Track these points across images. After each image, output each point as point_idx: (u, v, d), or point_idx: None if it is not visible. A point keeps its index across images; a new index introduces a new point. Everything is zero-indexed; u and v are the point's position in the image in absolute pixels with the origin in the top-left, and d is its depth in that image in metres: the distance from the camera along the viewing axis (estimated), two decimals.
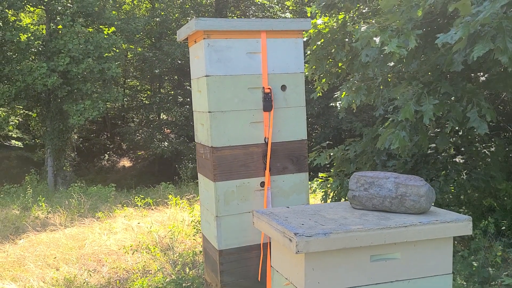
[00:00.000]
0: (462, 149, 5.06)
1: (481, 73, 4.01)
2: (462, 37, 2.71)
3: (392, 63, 4.26)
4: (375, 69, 4.32)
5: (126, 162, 17.82)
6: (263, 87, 2.72)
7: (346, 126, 10.03)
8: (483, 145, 4.95)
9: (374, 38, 3.40)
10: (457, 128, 4.25)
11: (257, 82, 2.72)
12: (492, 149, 4.81)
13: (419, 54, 3.65)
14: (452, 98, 3.51)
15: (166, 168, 13.93)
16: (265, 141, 2.76)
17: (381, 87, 4.58)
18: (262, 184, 2.78)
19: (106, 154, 17.48)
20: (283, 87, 2.77)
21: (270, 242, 2.79)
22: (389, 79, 4.63)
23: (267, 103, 2.71)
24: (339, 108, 4.77)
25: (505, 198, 4.67)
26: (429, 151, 4.95)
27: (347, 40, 4.93)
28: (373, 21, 3.57)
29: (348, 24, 4.49)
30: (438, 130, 4.29)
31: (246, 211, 2.77)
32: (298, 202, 2.84)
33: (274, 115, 2.75)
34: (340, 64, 5.24)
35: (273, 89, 2.74)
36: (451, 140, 4.79)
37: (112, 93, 11.37)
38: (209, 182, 2.80)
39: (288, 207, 1.93)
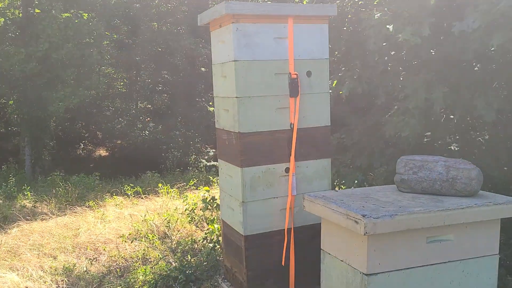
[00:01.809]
0: (457, 137, 5.19)
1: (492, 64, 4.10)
2: (481, 25, 2.77)
3: (393, 52, 4.32)
4: (376, 57, 4.36)
5: (102, 152, 17.47)
6: (290, 73, 2.72)
7: (335, 114, 10.07)
8: (478, 133, 5.08)
9: (388, 26, 3.44)
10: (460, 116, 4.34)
11: (284, 67, 2.72)
12: (487, 137, 4.96)
13: (433, 43, 3.71)
14: (461, 86, 3.59)
15: (146, 157, 13.73)
16: (290, 127, 2.76)
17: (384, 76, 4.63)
18: (287, 169, 2.79)
19: (81, 143, 17.06)
20: (309, 73, 2.78)
21: (293, 228, 2.81)
22: (389, 68, 4.69)
23: (294, 88, 2.72)
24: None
25: (498, 185, 4.83)
26: (425, 139, 5.06)
27: (345, 28, 4.96)
28: (386, 8, 3.60)
29: (362, 9, 4.50)
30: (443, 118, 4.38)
31: (271, 196, 2.78)
32: (321, 188, 2.87)
33: (300, 101, 2.75)
34: (335, 53, 5.26)
35: (299, 75, 2.74)
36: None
37: (93, 80, 11.09)
38: (234, 168, 2.79)
39: (336, 191, 1.95)
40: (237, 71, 2.62)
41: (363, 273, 1.65)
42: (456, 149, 5.11)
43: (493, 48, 2.80)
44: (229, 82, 2.73)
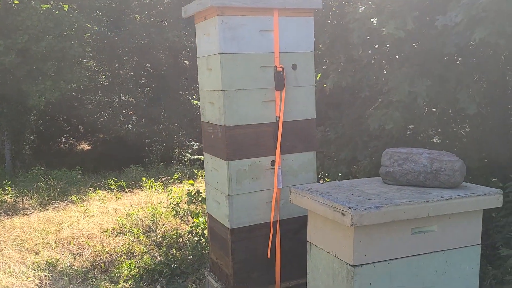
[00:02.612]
0: (440, 130, 5.26)
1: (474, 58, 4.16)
2: (463, 19, 2.81)
3: (377, 46, 4.35)
4: (360, 51, 4.39)
5: (84, 145, 17.24)
6: (275, 66, 2.72)
7: (319, 108, 10.11)
8: (459, 126, 5.16)
9: (372, 20, 3.46)
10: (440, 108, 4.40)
11: (269, 60, 2.72)
12: (468, 130, 5.04)
13: (416, 36, 3.75)
14: (443, 80, 3.64)
15: (129, 151, 13.59)
16: (276, 120, 2.77)
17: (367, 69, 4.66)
18: (273, 163, 2.80)
19: (62, 137, 16.79)
20: (294, 66, 2.79)
21: (278, 221, 2.83)
22: (373, 61, 4.73)
23: (280, 82, 2.72)
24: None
25: (478, 177, 4.93)
26: (408, 132, 5.13)
27: (329, 22, 4.97)
28: (370, 2, 3.62)
29: (347, 3, 4.51)
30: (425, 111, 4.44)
31: (257, 189, 2.78)
32: (306, 180, 2.89)
33: (285, 94, 2.75)
34: (320, 46, 5.28)
35: (284, 68, 2.74)
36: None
37: (74, 73, 10.89)
38: (220, 161, 2.78)
39: (322, 183, 1.96)
40: (222, 64, 2.61)
41: (349, 264, 1.67)
42: (438, 141, 5.19)
43: (474, 42, 2.84)
44: (214, 75, 2.71)
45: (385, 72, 4.28)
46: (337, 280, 1.74)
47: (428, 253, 1.77)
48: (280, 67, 2.72)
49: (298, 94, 2.81)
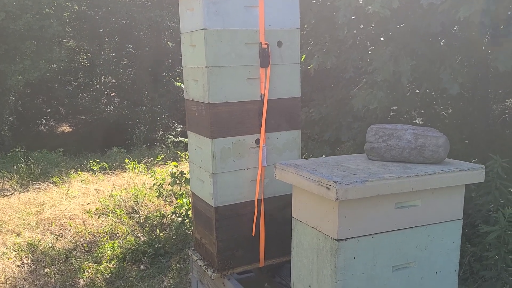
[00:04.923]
0: (422, 111, 5.30)
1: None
2: None
3: (362, 26, 4.34)
4: (345, 31, 4.37)
5: (65, 128, 16.97)
6: (260, 43, 2.68)
7: (303, 89, 10.10)
8: (442, 107, 5.21)
9: None
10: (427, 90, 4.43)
11: (254, 37, 2.68)
12: (450, 111, 5.09)
13: (401, 16, 3.74)
14: (427, 60, 3.66)
15: (111, 133, 13.43)
16: (261, 98, 2.74)
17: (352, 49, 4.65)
18: (257, 141, 2.78)
19: (43, 119, 16.48)
20: (279, 43, 2.75)
21: (263, 199, 2.83)
22: (358, 42, 4.72)
23: (265, 59, 2.69)
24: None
25: (459, 158, 5.01)
26: (391, 113, 5.16)
27: (314, 1, 4.93)
28: None
29: None
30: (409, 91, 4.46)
31: (241, 168, 2.77)
32: (290, 159, 2.88)
33: (270, 72, 2.73)
34: (305, 26, 5.24)
35: (269, 45, 2.71)
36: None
37: (54, 52, 10.64)
38: (204, 139, 2.75)
39: (307, 159, 1.96)
40: (206, 40, 2.56)
41: (333, 239, 1.67)
42: (420, 122, 5.24)
43: (460, 20, 2.84)
44: (198, 51, 2.67)
45: (369, 52, 4.28)
46: (321, 255, 1.75)
47: (411, 227, 1.79)
48: (265, 44, 2.68)
49: (283, 71, 2.78)
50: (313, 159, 1.96)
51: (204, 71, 2.61)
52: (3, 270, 3.91)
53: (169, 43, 15.32)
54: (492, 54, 3.53)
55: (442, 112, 5.11)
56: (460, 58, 4.13)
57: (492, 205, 3.30)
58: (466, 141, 4.81)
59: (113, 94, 15.43)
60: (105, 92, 15.42)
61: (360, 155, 2.05)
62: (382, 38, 4.29)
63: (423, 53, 3.59)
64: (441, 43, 3.94)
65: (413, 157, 1.85)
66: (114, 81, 15.83)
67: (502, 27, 3.33)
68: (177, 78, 14.36)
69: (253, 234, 2.84)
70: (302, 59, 4.74)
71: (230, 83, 2.65)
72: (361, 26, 4.38)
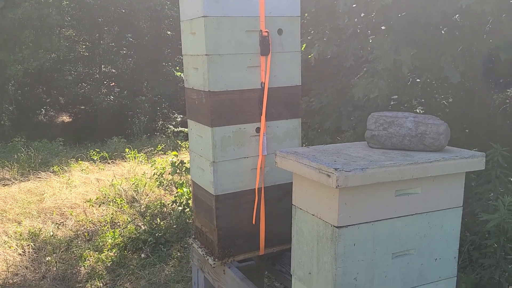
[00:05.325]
0: (423, 100, 5.29)
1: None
2: None
3: (363, 14, 4.31)
4: (346, 19, 4.35)
5: (65, 117, 16.97)
6: (261, 30, 2.66)
7: (303, 79, 10.04)
8: (442, 96, 5.20)
9: None
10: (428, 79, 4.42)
11: (255, 24, 2.66)
12: (450, 100, 5.08)
13: (402, 5, 3.72)
14: (428, 49, 3.64)
15: (111, 123, 13.42)
16: (261, 86, 2.73)
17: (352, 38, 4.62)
18: (258, 129, 2.78)
19: (42, 109, 16.47)
20: (280, 31, 2.73)
21: (263, 187, 2.83)
22: (359, 30, 4.69)
23: (265, 47, 2.67)
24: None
25: (459, 147, 5.01)
26: (392, 103, 5.15)
27: None
28: None
29: None
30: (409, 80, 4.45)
31: (241, 156, 2.77)
32: (291, 147, 2.87)
33: (271, 60, 2.71)
34: (305, 15, 5.21)
35: (270, 33, 2.69)
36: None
37: (53, 42, 10.60)
38: (204, 128, 2.75)
39: (308, 147, 1.96)
40: (206, 28, 2.55)
41: (334, 226, 1.68)
42: (421, 112, 5.23)
43: (463, 7, 2.82)
44: (198, 39, 2.65)
45: (370, 41, 4.26)
46: (322, 242, 1.75)
47: (411, 215, 1.79)
48: (266, 31, 2.66)
49: (284, 60, 2.77)
50: (314, 147, 1.96)
51: (204, 59, 2.60)
52: (5, 258, 3.94)
53: (169, 32, 15.26)
54: (494, 43, 3.51)
55: (443, 101, 5.10)
56: (461, 47, 4.11)
57: (492, 194, 3.31)
58: (467, 131, 4.81)
59: (113, 83, 15.39)
60: (105, 82, 15.39)
61: (361, 143, 2.05)
62: (383, 27, 4.27)
63: (424, 42, 3.57)
64: (442, 32, 3.92)
65: (414, 145, 1.85)
66: (113, 70, 15.79)
67: (503, 15, 3.31)
68: (177, 68, 14.31)
69: (254, 222, 2.85)
70: (302, 48, 4.72)
71: (230, 71, 2.64)
72: (362, 15, 4.36)
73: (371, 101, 4.61)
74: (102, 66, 15.79)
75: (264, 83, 2.72)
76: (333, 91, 5.35)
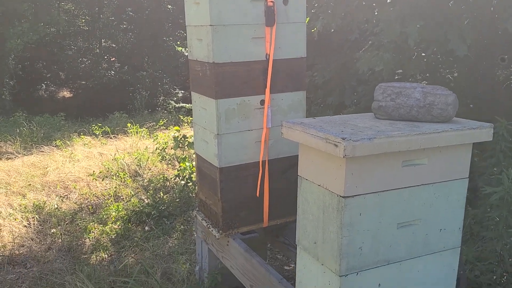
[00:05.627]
0: (428, 74, 5.24)
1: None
2: None
3: None
4: None
5: (66, 93, 16.89)
6: (266, 0, 2.61)
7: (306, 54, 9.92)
8: (447, 70, 5.15)
9: None
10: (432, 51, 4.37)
11: None
12: (456, 74, 5.04)
13: None
14: (435, 21, 3.58)
15: (112, 98, 13.36)
16: (266, 58, 2.70)
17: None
18: (262, 102, 2.76)
19: (43, 84, 16.37)
20: (285, 1, 2.68)
21: (267, 160, 2.83)
22: (364, 3, 4.61)
23: (270, 17, 2.63)
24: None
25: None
26: (396, 77, 5.11)
27: None
28: None
29: None
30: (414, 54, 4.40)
31: (246, 129, 2.76)
32: None
33: (276, 31, 2.67)
34: None
35: (275, 3, 2.64)
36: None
37: (53, 15, 10.45)
38: (208, 100, 2.73)
39: (314, 118, 1.94)
40: None
41: (340, 196, 1.68)
42: None
43: None
44: (202, 9, 2.61)
45: (376, 13, 4.19)
46: (327, 212, 1.76)
47: (418, 185, 1.79)
48: (271, 1, 2.61)
49: (289, 31, 2.72)
50: (320, 118, 1.94)
51: (208, 29, 2.56)
52: (11, 230, 3.98)
53: (169, 6, 15.03)
54: (501, 16, 3.46)
55: (448, 76, 5.05)
56: (468, 20, 4.05)
57: (495, 168, 3.31)
58: (471, 106, 4.78)
59: (113, 58, 15.26)
60: (105, 57, 15.25)
61: (368, 114, 2.04)
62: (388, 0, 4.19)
63: (430, 14, 3.51)
64: (450, 4, 3.86)
65: (421, 116, 1.84)
66: (114, 45, 15.63)
67: None
68: (178, 43, 14.17)
69: (257, 195, 2.86)
70: (306, 21, 4.65)
71: (235, 42, 2.61)
72: None
73: (376, 75, 4.57)
74: (102, 40, 15.63)
75: (269, 55, 2.69)
76: (337, 66, 5.30)
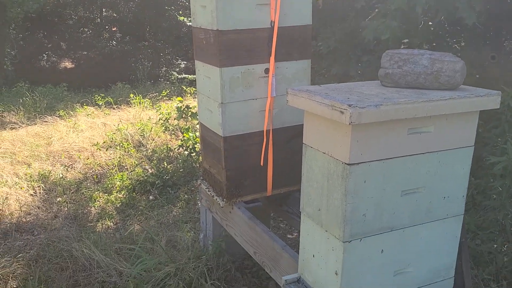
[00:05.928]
0: (434, 44, 5.16)
1: None
2: None
3: None
4: None
5: (67, 63, 16.76)
6: None
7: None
8: (454, 40, 5.07)
9: None
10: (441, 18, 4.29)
11: None
12: (463, 44, 4.96)
13: None
14: None
15: (114, 69, 13.25)
16: (271, 25, 2.66)
17: None
18: (266, 70, 2.73)
19: (44, 54, 16.22)
20: None
21: (271, 129, 2.83)
22: None
23: None
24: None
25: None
26: (402, 46, 5.04)
27: None
28: None
29: None
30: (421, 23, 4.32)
31: (250, 98, 2.74)
32: None
33: None
34: None
35: None
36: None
37: None
38: (212, 68, 2.71)
39: (319, 85, 1.92)
40: None
41: (345, 163, 1.68)
42: None
43: None
44: None
45: None
46: (332, 179, 1.77)
47: (423, 153, 1.79)
48: None
49: None
50: (325, 85, 1.93)
51: None
52: (17, 198, 4.02)
53: None
54: None
55: (455, 45, 4.97)
56: None
57: (499, 139, 3.30)
58: (477, 76, 4.72)
59: (115, 28, 15.06)
60: (107, 27, 15.05)
61: (374, 82, 2.02)
62: None
63: None
64: None
65: (429, 83, 1.82)
66: (115, 15, 15.40)
67: None
68: (180, 12, 13.93)
69: (261, 164, 2.87)
70: None
71: (239, 9, 2.56)
72: None
73: (381, 45, 4.50)
74: (103, 10, 15.38)
75: (274, 22, 2.64)
76: (342, 35, 5.22)
